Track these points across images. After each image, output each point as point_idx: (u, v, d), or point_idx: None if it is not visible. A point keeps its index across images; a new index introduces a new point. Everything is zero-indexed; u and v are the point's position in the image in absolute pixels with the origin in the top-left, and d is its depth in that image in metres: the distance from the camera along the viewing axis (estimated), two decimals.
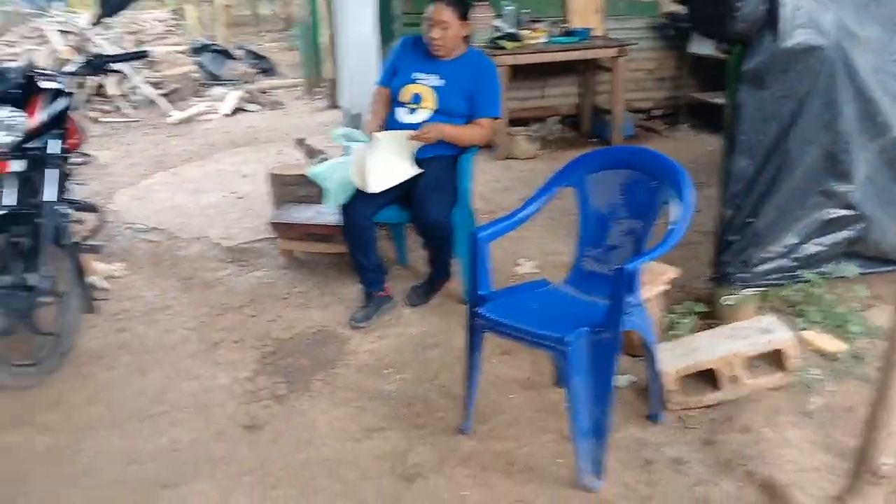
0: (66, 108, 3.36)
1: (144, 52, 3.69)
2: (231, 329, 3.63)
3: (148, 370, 3.28)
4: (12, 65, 3.85)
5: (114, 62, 3.54)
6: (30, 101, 3.21)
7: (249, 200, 5.49)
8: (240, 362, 3.33)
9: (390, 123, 3.67)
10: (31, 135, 3.20)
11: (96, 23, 3.51)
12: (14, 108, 3.16)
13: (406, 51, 3.79)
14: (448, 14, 3.53)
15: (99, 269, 4.13)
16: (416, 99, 3.63)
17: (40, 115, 3.22)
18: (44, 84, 3.31)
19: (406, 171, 3.52)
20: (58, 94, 3.34)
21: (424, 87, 3.63)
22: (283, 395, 3.07)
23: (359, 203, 3.52)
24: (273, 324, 3.67)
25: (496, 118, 3.71)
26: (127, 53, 3.60)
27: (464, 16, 3.60)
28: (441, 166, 3.60)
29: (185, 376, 3.23)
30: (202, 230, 4.93)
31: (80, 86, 8.28)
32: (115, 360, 3.36)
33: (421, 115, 3.61)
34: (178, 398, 3.07)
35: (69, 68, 3.50)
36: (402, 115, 3.67)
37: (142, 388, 3.14)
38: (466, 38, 3.69)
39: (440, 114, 3.58)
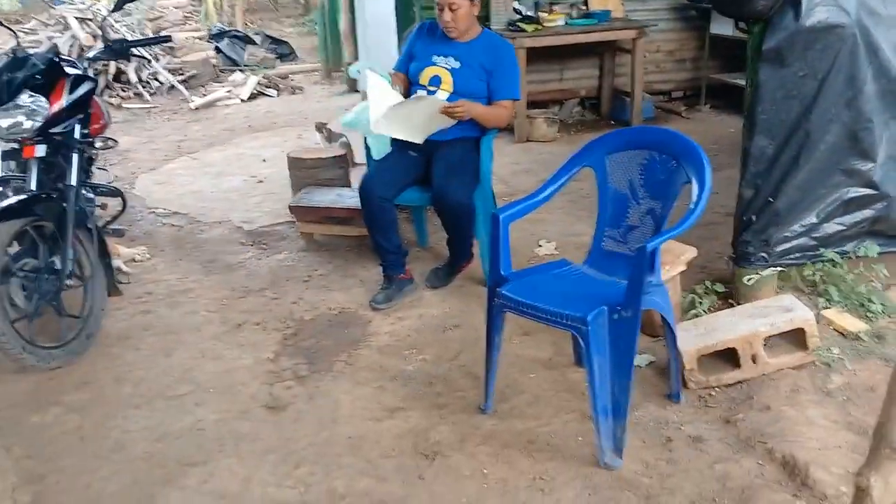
0: (90, 93, 3.40)
1: (167, 37, 3.72)
2: (253, 311, 3.67)
3: (173, 351, 3.33)
4: (37, 51, 3.90)
5: (136, 47, 3.56)
6: (53, 87, 3.26)
7: (270, 184, 5.54)
8: (262, 343, 3.37)
9: None
10: (55, 120, 3.24)
11: (116, 9, 3.52)
12: (34, 94, 3.20)
13: (422, 35, 3.81)
14: None
15: (122, 253, 4.19)
16: (436, 81, 3.63)
17: (63, 100, 3.27)
18: (67, 69, 3.36)
19: (414, 132, 3.54)
20: (81, 79, 3.38)
21: (442, 69, 3.64)
22: (305, 375, 3.11)
23: (378, 185, 3.54)
24: (295, 306, 3.70)
25: (516, 100, 3.74)
26: (149, 38, 3.64)
27: None
28: (463, 148, 3.62)
29: (209, 357, 3.27)
30: (223, 214, 4.98)
31: (101, 72, 8.35)
32: (141, 342, 3.41)
33: (441, 97, 3.59)
34: (203, 378, 3.11)
35: (92, 53, 3.54)
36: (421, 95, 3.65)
37: (167, 369, 3.19)
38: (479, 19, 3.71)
39: (458, 95, 3.56)
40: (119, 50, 3.47)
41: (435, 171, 3.58)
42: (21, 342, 2.99)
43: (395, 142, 3.72)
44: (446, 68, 3.63)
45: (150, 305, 3.76)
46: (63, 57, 3.41)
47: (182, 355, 3.30)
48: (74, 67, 3.42)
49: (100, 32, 9.36)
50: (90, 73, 3.49)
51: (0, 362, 3.18)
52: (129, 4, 3.50)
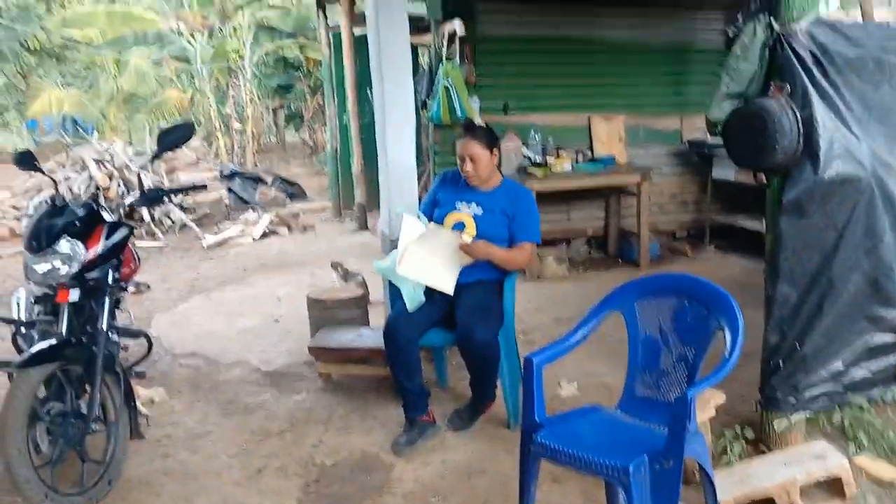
0: (125, 239, 3.49)
1: (203, 185, 3.85)
2: (273, 455, 3.61)
3: (194, 498, 3.26)
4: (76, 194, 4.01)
5: (171, 194, 3.68)
6: (91, 233, 3.34)
7: (286, 323, 5.57)
8: (284, 490, 3.30)
9: None
10: (90, 265, 3.31)
11: (155, 158, 3.66)
12: (72, 239, 3.28)
13: (446, 183, 3.96)
14: (477, 147, 3.69)
15: (141, 395, 4.16)
16: (459, 226, 3.72)
17: (100, 247, 3.34)
18: (105, 216, 3.46)
19: (439, 280, 3.62)
20: (117, 225, 3.47)
21: (466, 215, 3.75)
22: None
23: (403, 326, 3.57)
24: (315, 449, 3.65)
25: (537, 243, 3.80)
26: (184, 186, 3.76)
27: (492, 145, 3.73)
28: (486, 290, 3.68)
29: None
30: (241, 354, 4.98)
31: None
32: (161, 488, 3.34)
33: (466, 239, 3.67)
34: None
35: (128, 200, 3.65)
36: None
37: None
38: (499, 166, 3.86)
39: (481, 239, 3.64)
40: (154, 197, 3.59)
41: (459, 312, 3.61)
42: (44, 489, 2.93)
43: (427, 289, 3.76)
44: (469, 214, 3.75)
45: (170, 449, 3.71)
46: (102, 203, 3.51)
47: (203, 503, 3.22)
48: (112, 213, 3.53)
49: (115, 173, 9.70)
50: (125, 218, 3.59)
51: None
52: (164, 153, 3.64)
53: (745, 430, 3.31)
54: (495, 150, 3.75)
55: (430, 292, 3.71)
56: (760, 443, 3.29)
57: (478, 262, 3.64)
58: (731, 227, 7.08)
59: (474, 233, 3.69)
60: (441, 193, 3.92)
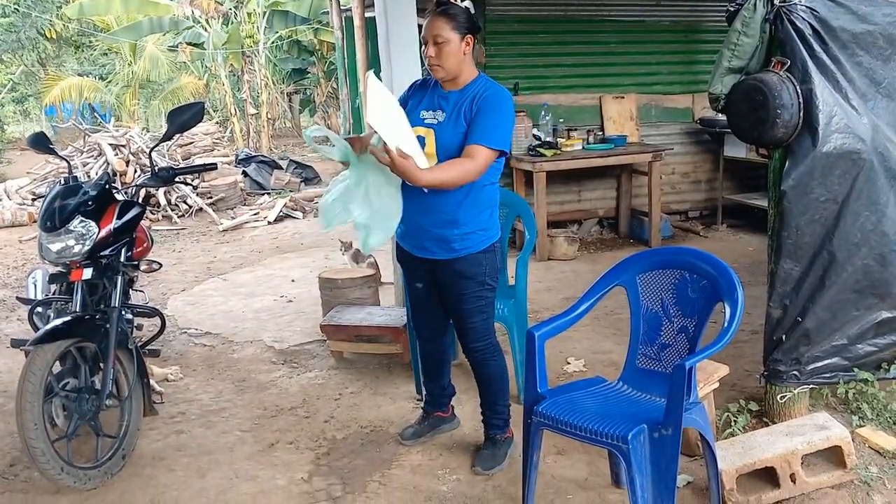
0: (137, 218, 3.56)
1: (213, 165, 3.90)
2: (286, 430, 3.69)
3: (207, 472, 3.33)
4: (91, 178, 4.07)
5: (182, 174, 3.74)
6: (104, 212, 3.41)
7: (299, 303, 5.65)
8: (296, 463, 3.37)
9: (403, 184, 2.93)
10: (102, 244, 3.38)
11: (164, 139, 3.71)
12: (85, 219, 3.35)
13: (415, 89, 3.13)
14: (445, 28, 2.86)
15: (156, 373, 4.25)
16: (419, 143, 2.88)
17: (112, 226, 3.41)
18: (117, 195, 3.53)
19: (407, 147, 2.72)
20: (129, 204, 3.54)
21: (427, 128, 2.95)
22: (339, 496, 3.10)
23: (417, 326, 3.40)
24: (326, 424, 3.72)
25: (494, 150, 2.85)
26: (194, 166, 3.81)
27: (466, 30, 2.90)
28: (463, 275, 3.03)
29: (244, 478, 3.27)
30: (255, 333, 5.07)
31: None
32: (175, 462, 3.42)
33: (422, 164, 2.80)
34: (238, 500, 3.11)
35: (140, 180, 3.71)
36: None
37: (201, 490, 3.19)
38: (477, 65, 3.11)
39: (443, 156, 2.91)
40: (166, 177, 3.64)
41: (447, 311, 3.20)
42: (60, 462, 3.02)
43: (405, 275, 3.33)
44: (432, 125, 2.95)
45: (184, 425, 3.79)
46: (115, 183, 3.58)
47: (216, 476, 3.30)
48: (124, 193, 3.59)
49: (132, 158, 9.81)
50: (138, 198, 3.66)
51: (37, 482, 3.21)
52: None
53: (749, 403, 3.35)
54: (469, 38, 2.90)
55: (416, 284, 3.25)
56: (764, 416, 3.31)
57: (439, 219, 2.96)
58: (744, 205, 7.06)
59: (433, 150, 2.92)
60: (410, 104, 3.06)
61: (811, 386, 3.25)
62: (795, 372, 3.21)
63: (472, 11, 2.98)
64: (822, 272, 3.09)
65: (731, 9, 3.05)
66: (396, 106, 2.87)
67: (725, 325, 2.50)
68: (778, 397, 3.24)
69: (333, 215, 2.93)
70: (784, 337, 3.18)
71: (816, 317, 3.13)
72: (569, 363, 4.22)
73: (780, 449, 2.80)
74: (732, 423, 3.22)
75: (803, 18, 2.90)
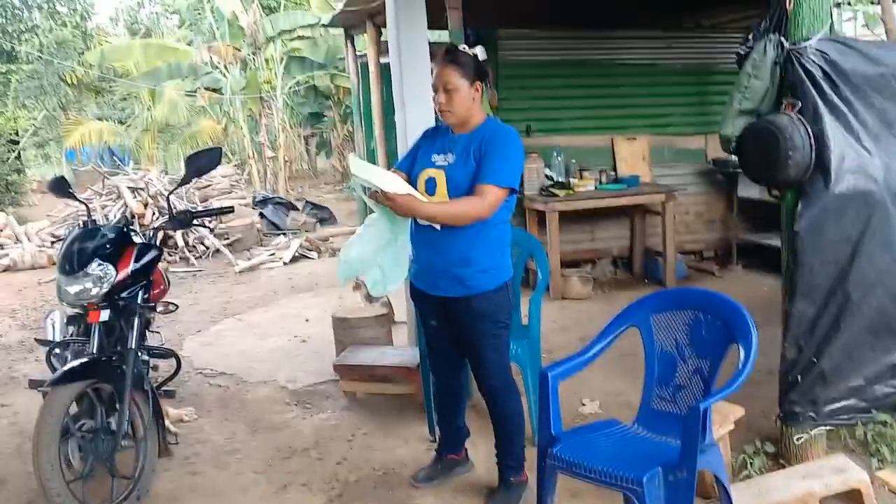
0: (154, 261, 3.60)
1: (230, 208, 3.96)
2: (298, 472, 3.67)
3: None
4: (109, 220, 4.14)
5: (200, 217, 3.79)
6: (122, 254, 3.46)
7: (313, 343, 5.67)
8: None
9: (411, 226, 3.10)
10: (120, 286, 3.42)
11: (182, 183, 3.78)
12: (103, 262, 3.39)
13: (429, 135, 3.24)
14: (454, 76, 2.93)
15: (170, 413, 4.26)
16: (431, 186, 3.01)
17: (129, 268, 3.46)
18: (134, 238, 3.58)
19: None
20: (147, 247, 3.59)
21: (438, 169, 3.03)
22: None
23: (432, 366, 3.42)
24: (339, 466, 3.71)
25: (503, 188, 2.92)
26: (212, 210, 3.87)
27: (475, 77, 2.96)
28: (477, 314, 3.04)
29: None
30: (269, 374, 5.08)
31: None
32: (188, 503, 3.42)
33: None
34: None
35: (158, 223, 3.77)
36: None
37: None
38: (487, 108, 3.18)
39: (455, 196, 2.98)
40: (183, 220, 3.70)
41: (462, 350, 3.21)
42: (75, 503, 3.02)
43: (419, 313, 3.35)
44: (443, 166, 3.03)
45: (198, 466, 3.79)
46: (133, 226, 3.63)
47: None
48: (142, 236, 3.64)
49: (150, 201, 9.95)
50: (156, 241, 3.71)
51: None
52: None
53: (765, 445, 3.31)
54: (478, 84, 2.98)
55: (429, 321, 3.26)
56: (781, 458, 3.28)
57: (451, 258, 3.00)
58: (759, 245, 7.04)
59: (444, 190, 3.00)
60: (422, 148, 3.18)
61: (828, 427, 3.22)
62: (812, 413, 3.18)
63: (484, 57, 3.04)
64: (837, 313, 3.08)
65: (742, 52, 3.09)
66: (380, 170, 3.06)
67: (740, 366, 2.49)
68: (794, 439, 3.21)
69: (353, 271, 3.07)
70: (800, 378, 3.16)
71: (832, 358, 3.12)
72: (584, 404, 4.20)
73: (798, 492, 2.78)
74: (748, 465, 3.19)
75: (814, 61, 2.94)
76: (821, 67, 2.96)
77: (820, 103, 2.96)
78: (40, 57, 18.82)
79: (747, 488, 2.88)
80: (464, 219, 2.91)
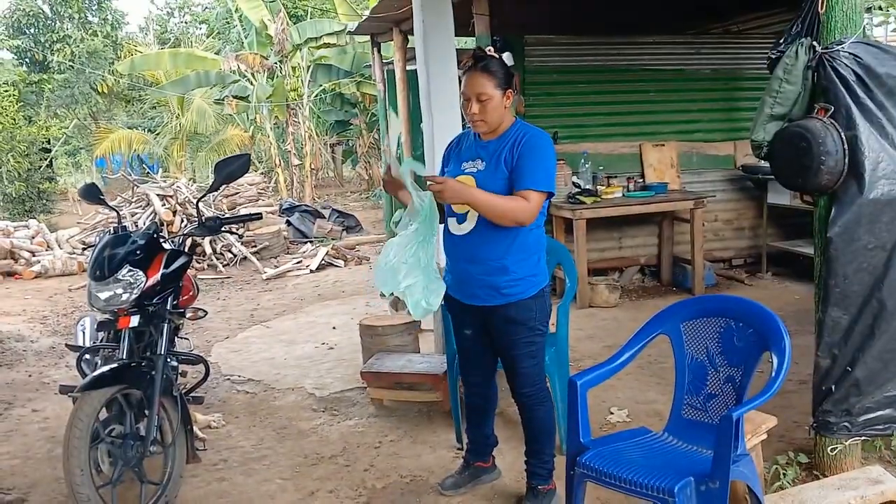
0: (184, 267, 3.63)
1: (258, 214, 3.98)
2: (326, 479, 3.68)
3: None
4: (139, 227, 4.18)
5: (228, 224, 3.81)
6: (151, 261, 3.49)
7: (340, 350, 5.68)
8: None
9: (444, 236, 3.14)
10: (150, 292, 3.45)
11: (211, 190, 3.81)
12: (133, 268, 3.42)
13: (454, 146, 3.24)
14: (488, 85, 2.91)
15: (199, 419, 4.28)
16: None
17: (159, 275, 3.48)
18: (164, 245, 3.61)
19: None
20: (177, 253, 3.62)
21: (469, 176, 3.02)
22: None
23: (465, 371, 3.40)
24: (367, 473, 3.70)
25: (543, 192, 2.92)
26: (240, 216, 3.90)
27: (506, 84, 2.95)
28: (513, 321, 3.05)
29: None
30: (296, 380, 5.09)
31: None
32: None
33: (470, 225, 3.01)
34: None
35: (187, 229, 3.79)
36: (452, 224, 3.10)
37: None
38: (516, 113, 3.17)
39: None
40: (212, 227, 3.72)
41: (498, 356, 3.22)
42: None
43: (454, 322, 3.36)
44: (473, 174, 3.02)
45: (225, 473, 3.80)
46: (163, 233, 3.66)
47: None
48: (172, 242, 3.67)
49: (179, 208, 10.04)
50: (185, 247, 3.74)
51: None
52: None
53: (798, 455, 3.26)
54: (510, 92, 2.97)
55: (464, 330, 3.26)
56: (815, 469, 3.22)
57: (488, 267, 2.99)
58: (789, 252, 6.95)
59: None
60: (451, 160, 3.19)
61: (863, 438, 3.16)
62: (846, 423, 3.12)
63: (511, 63, 3.04)
64: (872, 321, 3.02)
65: (773, 56, 3.05)
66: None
67: (773, 374, 2.46)
68: (828, 449, 3.16)
69: (393, 281, 2.95)
70: (833, 387, 3.10)
71: (867, 366, 3.06)
72: (612, 413, 4.16)
73: (833, 503, 2.72)
74: (781, 476, 3.13)
75: (846, 65, 2.89)
76: (854, 71, 2.91)
77: (853, 107, 2.91)
78: (72, 66, 19.15)
79: (781, 500, 2.83)
80: (505, 216, 2.89)
